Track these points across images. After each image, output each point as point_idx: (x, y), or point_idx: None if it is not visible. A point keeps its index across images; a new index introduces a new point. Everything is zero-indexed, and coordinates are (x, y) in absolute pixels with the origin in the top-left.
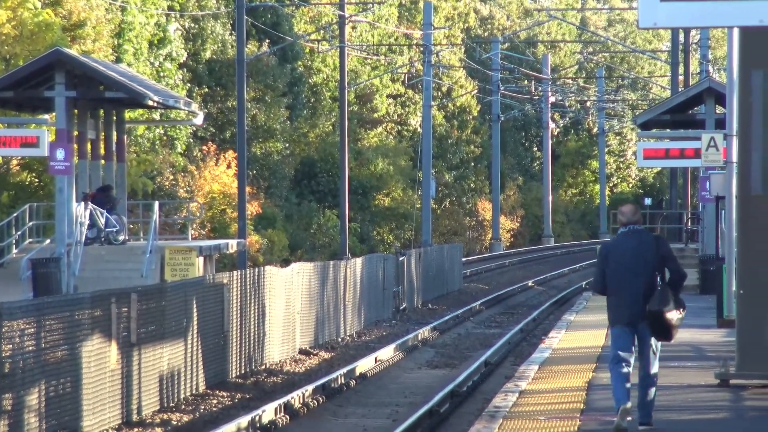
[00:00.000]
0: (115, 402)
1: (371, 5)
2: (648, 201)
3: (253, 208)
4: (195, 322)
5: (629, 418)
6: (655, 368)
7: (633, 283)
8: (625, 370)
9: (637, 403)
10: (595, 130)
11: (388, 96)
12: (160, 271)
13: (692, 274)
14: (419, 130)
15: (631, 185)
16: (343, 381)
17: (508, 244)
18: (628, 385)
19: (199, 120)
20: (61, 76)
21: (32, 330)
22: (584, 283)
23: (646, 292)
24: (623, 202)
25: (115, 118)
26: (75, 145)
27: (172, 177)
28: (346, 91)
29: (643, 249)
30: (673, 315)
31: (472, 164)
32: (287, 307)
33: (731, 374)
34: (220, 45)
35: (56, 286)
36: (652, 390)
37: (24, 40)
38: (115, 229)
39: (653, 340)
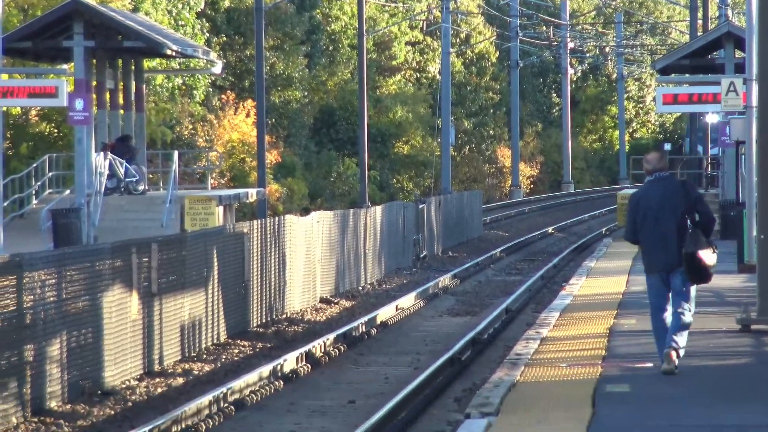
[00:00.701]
0: (137, 352)
1: None
2: (667, 146)
3: (272, 157)
4: (216, 272)
5: (675, 362)
6: (688, 317)
7: (665, 229)
8: (665, 316)
9: (666, 342)
10: (614, 75)
11: (406, 43)
12: (180, 220)
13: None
14: (438, 77)
15: (650, 131)
16: (364, 329)
17: (527, 191)
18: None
19: (217, 69)
20: (80, 26)
21: (53, 281)
22: (604, 229)
23: (678, 237)
24: (643, 148)
25: (133, 67)
26: (94, 95)
27: (191, 126)
28: (365, 39)
29: (671, 195)
30: (707, 255)
31: (491, 111)
32: (307, 256)
33: (752, 319)
34: None
35: (76, 237)
36: (683, 335)
37: None
38: (134, 179)
39: (689, 287)
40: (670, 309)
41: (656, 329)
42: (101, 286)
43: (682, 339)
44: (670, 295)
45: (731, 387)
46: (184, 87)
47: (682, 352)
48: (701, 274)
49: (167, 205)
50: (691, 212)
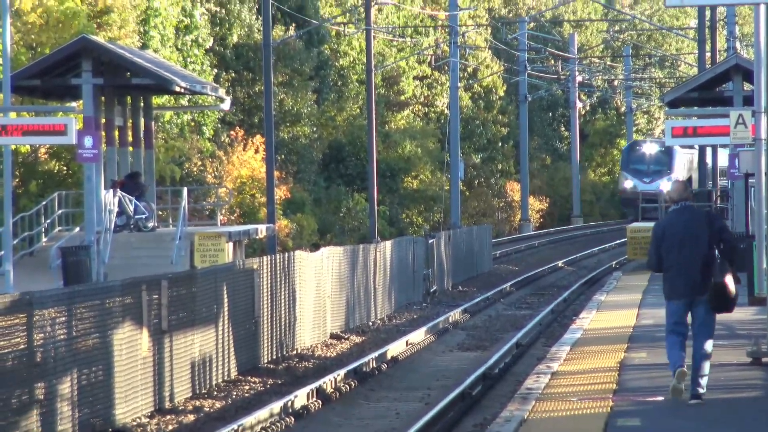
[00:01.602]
0: (147, 389)
1: None
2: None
3: (281, 193)
4: (226, 308)
5: (685, 382)
6: (709, 346)
7: (688, 258)
8: (680, 338)
9: (691, 377)
10: (623, 108)
11: (414, 78)
12: (190, 257)
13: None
14: (446, 111)
15: None
16: (374, 365)
17: (537, 225)
18: (683, 351)
19: (226, 105)
20: (88, 64)
21: (63, 319)
22: (614, 262)
23: (701, 266)
24: None
25: (142, 104)
26: (103, 133)
27: (200, 163)
28: (373, 74)
29: (695, 224)
30: (733, 285)
31: (500, 145)
32: (317, 291)
33: (763, 352)
34: (246, 29)
35: (86, 274)
36: (707, 364)
37: (50, 28)
38: (144, 216)
39: (713, 317)
40: (687, 335)
41: (670, 345)
42: (111, 323)
43: (706, 367)
44: (694, 325)
45: (742, 420)
46: (193, 123)
47: (705, 380)
48: (727, 304)
49: (177, 242)
50: (716, 241)
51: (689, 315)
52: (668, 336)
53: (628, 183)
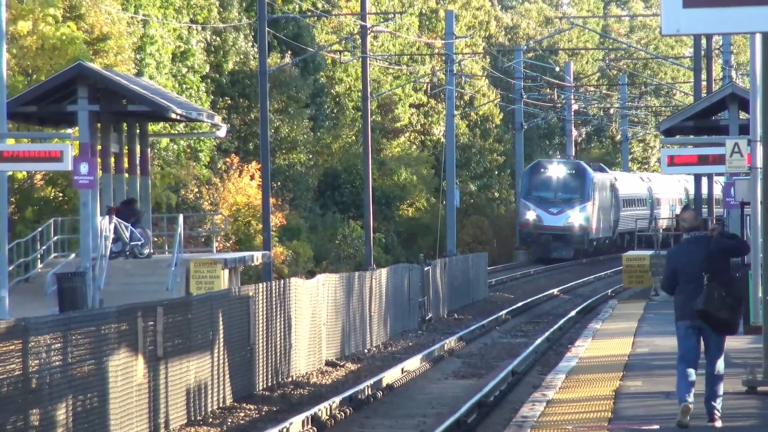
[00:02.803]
0: (143, 416)
1: (392, 15)
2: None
3: (277, 220)
4: (221, 335)
5: (688, 417)
6: (721, 366)
7: (699, 282)
8: (690, 369)
9: (705, 398)
10: (619, 137)
11: (410, 105)
12: (186, 284)
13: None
14: (442, 139)
15: None
16: (370, 392)
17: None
18: (693, 384)
19: (222, 132)
20: (84, 90)
21: (59, 345)
22: (610, 291)
23: (705, 289)
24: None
25: (138, 131)
26: (99, 159)
27: (196, 189)
28: (369, 101)
29: (704, 251)
30: (723, 310)
31: (496, 173)
32: (313, 318)
33: (759, 381)
34: (242, 57)
35: (82, 301)
36: (720, 386)
37: (46, 53)
38: (139, 243)
39: (723, 339)
40: (697, 361)
41: (681, 376)
42: (107, 350)
43: (720, 389)
44: (705, 347)
45: None
46: (189, 150)
47: (720, 402)
48: (722, 327)
49: (173, 269)
50: (726, 262)
51: (701, 341)
52: (679, 363)
53: (531, 214)
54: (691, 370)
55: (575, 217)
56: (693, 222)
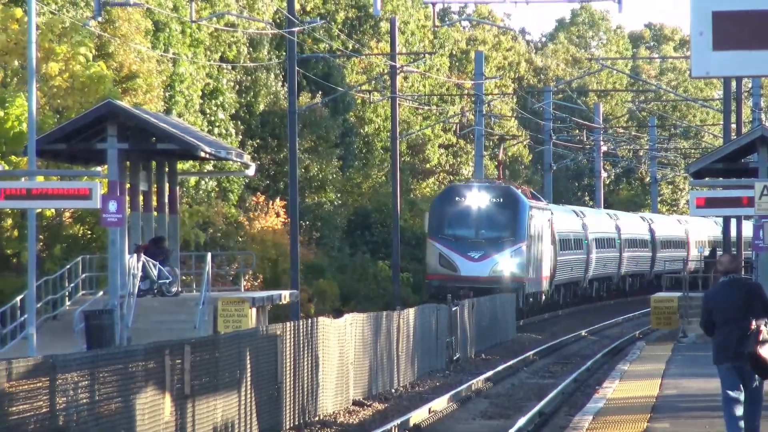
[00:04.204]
0: None
1: (423, 56)
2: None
3: (305, 259)
4: (249, 374)
5: None
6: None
7: (735, 324)
8: (737, 409)
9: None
10: (648, 179)
11: (439, 146)
12: (213, 322)
13: None
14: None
15: None
16: None
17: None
18: (741, 424)
19: (251, 171)
20: (113, 129)
21: (86, 382)
22: (638, 332)
23: (741, 335)
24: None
25: (167, 169)
26: (127, 197)
27: (225, 228)
28: (398, 142)
29: (740, 296)
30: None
31: None
32: (340, 357)
33: None
34: (272, 97)
35: (110, 338)
36: (759, 422)
37: (76, 92)
38: (167, 281)
39: (762, 382)
40: (742, 399)
41: (727, 417)
42: (134, 387)
43: (759, 424)
44: (745, 388)
45: None
46: (218, 189)
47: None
48: (765, 369)
49: (200, 307)
50: (756, 312)
51: (742, 381)
52: (725, 408)
53: (443, 261)
54: (738, 406)
55: (505, 264)
56: (729, 265)
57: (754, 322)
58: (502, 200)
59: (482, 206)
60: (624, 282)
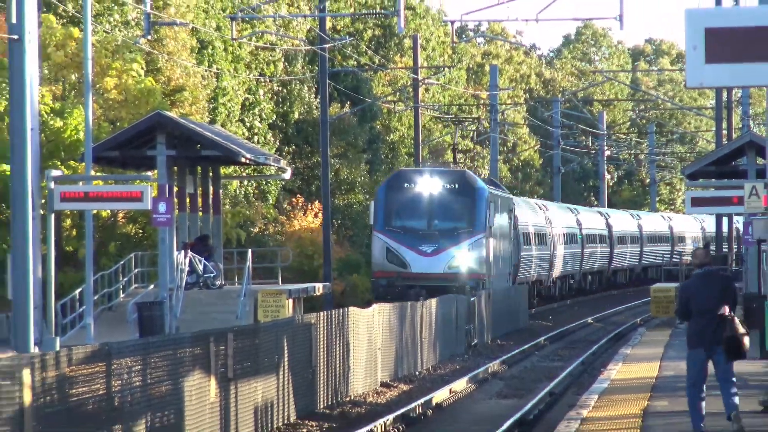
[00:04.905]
0: (215, 431)
1: (442, 69)
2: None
3: (337, 255)
4: (286, 358)
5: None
6: (737, 398)
7: (707, 313)
8: (701, 395)
9: (725, 405)
10: (647, 180)
11: (458, 151)
12: (254, 312)
13: (737, 310)
14: None
15: None
16: (420, 411)
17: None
18: (702, 409)
19: (287, 175)
20: (162, 137)
21: (139, 367)
22: (639, 319)
23: (716, 322)
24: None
25: (211, 174)
26: (175, 199)
27: (263, 227)
28: (420, 147)
29: (713, 287)
30: (744, 338)
31: None
32: (369, 343)
33: None
34: (306, 107)
35: (160, 327)
36: (736, 398)
37: (129, 104)
38: (212, 275)
39: (731, 363)
40: (704, 385)
41: (691, 398)
42: (182, 371)
43: (737, 398)
44: (717, 372)
45: None
46: (257, 191)
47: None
48: (739, 353)
49: (242, 299)
50: (728, 300)
51: (710, 365)
52: (689, 389)
53: (390, 256)
54: (702, 395)
55: (463, 259)
56: (703, 259)
57: (727, 310)
58: (457, 186)
59: (435, 193)
60: (615, 277)
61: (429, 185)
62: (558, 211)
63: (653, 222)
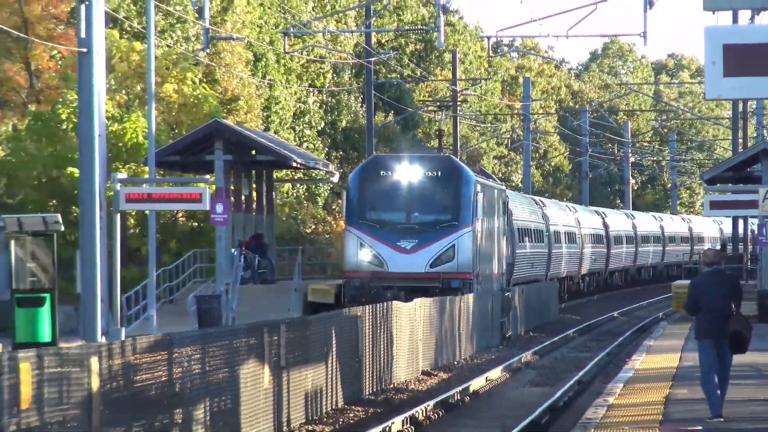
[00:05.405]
0: (268, 415)
1: (479, 81)
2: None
3: None
4: (334, 349)
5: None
6: (726, 388)
7: (716, 309)
8: (715, 379)
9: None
10: (669, 185)
11: (494, 157)
12: (304, 305)
13: (752, 306)
14: (520, 186)
15: None
16: (459, 397)
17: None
18: (720, 396)
19: (335, 178)
20: (220, 143)
21: (198, 356)
22: (661, 314)
23: (723, 316)
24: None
25: (265, 177)
26: (232, 200)
27: (313, 226)
28: (459, 154)
29: (721, 284)
30: (748, 333)
31: None
32: (411, 335)
33: None
34: (353, 115)
35: (217, 319)
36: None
37: (187, 108)
38: (266, 271)
39: (729, 359)
40: (716, 379)
41: (708, 386)
42: (238, 360)
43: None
44: (721, 365)
45: None
46: (307, 193)
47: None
48: (741, 347)
49: (294, 293)
50: (735, 298)
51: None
52: (707, 375)
53: (364, 254)
54: (716, 380)
55: (446, 256)
56: (713, 258)
57: (734, 306)
58: (440, 174)
59: (415, 182)
60: (639, 274)
61: (408, 173)
62: (586, 214)
63: (674, 224)
